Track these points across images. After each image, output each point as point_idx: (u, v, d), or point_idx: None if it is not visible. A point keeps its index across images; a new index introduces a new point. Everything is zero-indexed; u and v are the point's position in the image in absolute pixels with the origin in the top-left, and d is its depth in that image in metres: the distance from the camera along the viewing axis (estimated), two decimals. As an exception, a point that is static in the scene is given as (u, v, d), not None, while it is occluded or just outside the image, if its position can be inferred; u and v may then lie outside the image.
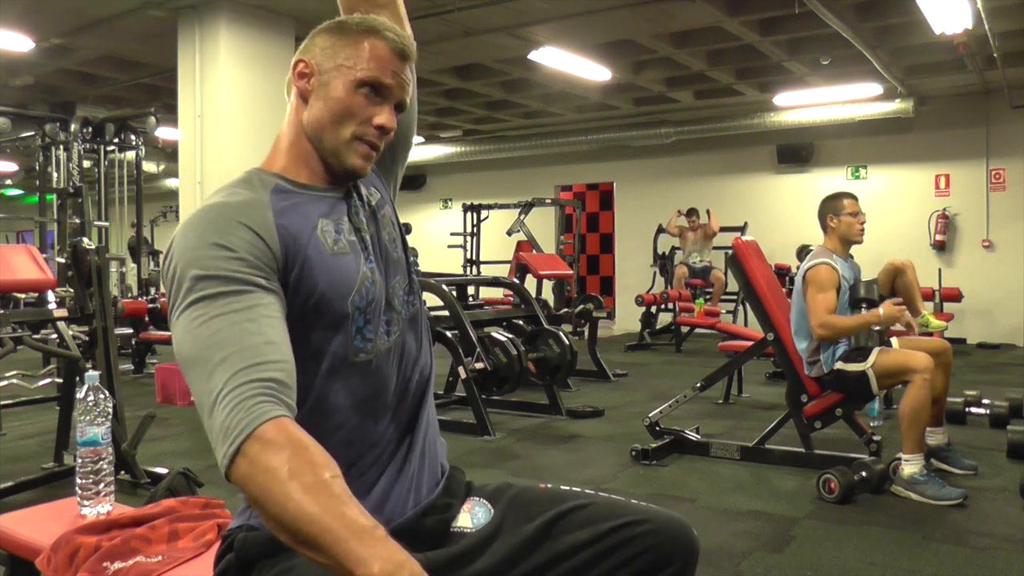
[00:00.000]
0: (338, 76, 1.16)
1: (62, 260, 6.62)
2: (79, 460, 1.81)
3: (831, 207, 3.64)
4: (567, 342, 5.01)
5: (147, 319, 7.04)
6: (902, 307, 3.41)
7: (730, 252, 4.34)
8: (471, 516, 1.22)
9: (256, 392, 0.94)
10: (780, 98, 9.02)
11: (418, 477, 1.19)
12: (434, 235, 11.97)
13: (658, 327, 9.28)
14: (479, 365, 4.58)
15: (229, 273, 1.02)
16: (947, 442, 3.62)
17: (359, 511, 0.87)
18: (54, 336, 3.81)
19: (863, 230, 3.63)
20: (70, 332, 3.69)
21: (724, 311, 9.24)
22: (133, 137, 7.63)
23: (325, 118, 1.16)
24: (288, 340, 1.02)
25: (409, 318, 1.24)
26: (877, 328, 3.40)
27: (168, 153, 11.35)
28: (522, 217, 10.01)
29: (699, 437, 4.03)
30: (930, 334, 4.07)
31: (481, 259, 10.70)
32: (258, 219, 1.08)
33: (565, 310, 7.27)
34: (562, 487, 1.27)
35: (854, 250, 3.71)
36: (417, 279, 1.29)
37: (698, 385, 4.07)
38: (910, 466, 3.27)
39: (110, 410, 1.84)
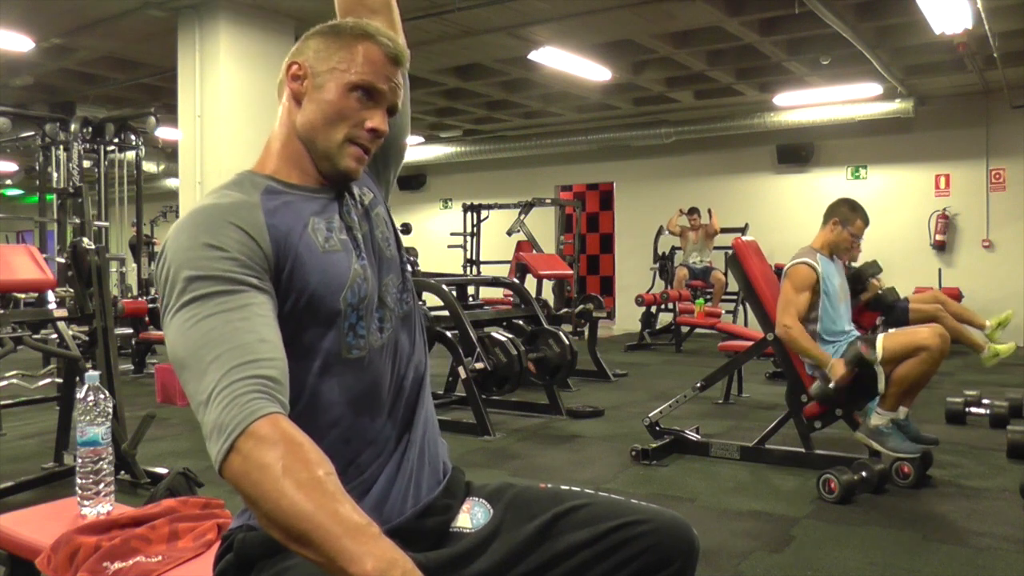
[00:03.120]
0: (331, 79, 1.16)
1: (62, 260, 6.62)
2: (79, 460, 1.81)
3: (843, 215, 3.68)
4: (567, 342, 5.01)
5: (147, 319, 7.05)
6: (848, 374, 3.36)
7: (730, 252, 4.35)
8: (470, 516, 1.22)
9: (250, 389, 0.94)
10: (780, 98, 9.02)
11: (417, 475, 1.19)
12: (434, 235, 11.98)
13: (658, 327, 9.29)
14: (479, 365, 4.57)
15: (222, 273, 1.02)
16: (905, 416, 3.60)
17: (352, 508, 0.87)
18: (54, 336, 3.81)
19: (852, 252, 3.73)
20: (70, 332, 3.69)
21: (724, 311, 9.24)
22: (133, 137, 7.62)
23: (318, 120, 1.17)
24: (280, 339, 1.03)
25: (403, 316, 1.24)
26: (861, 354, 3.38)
27: (168, 153, 11.35)
28: (522, 217, 10.01)
29: (699, 437, 4.03)
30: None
31: (481, 259, 10.70)
32: (249, 219, 1.09)
33: (565, 310, 7.28)
34: (562, 487, 1.27)
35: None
36: (411, 278, 1.30)
37: (698, 385, 4.07)
38: (878, 418, 3.37)
39: (110, 410, 1.84)
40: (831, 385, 3.41)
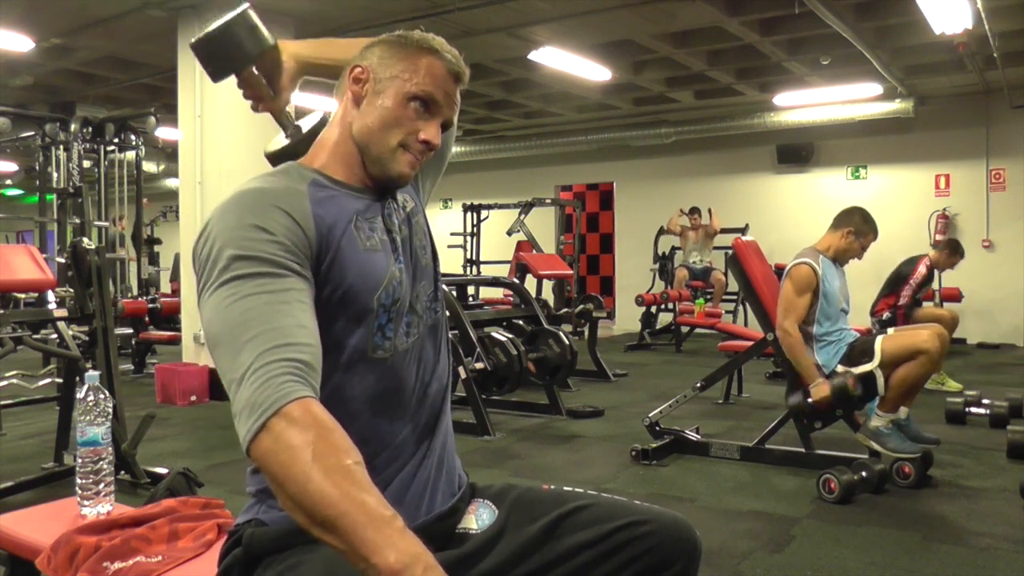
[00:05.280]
0: (392, 86, 1.18)
1: (62, 260, 6.62)
2: (79, 460, 1.81)
3: (857, 225, 3.68)
4: (567, 342, 5.01)
5: (147, 319, 7.05)
6: (828, 401, 3.43)
7: (730, 252, 4.35)
8: (475, 517, 1.23)
9: (285, 371, 0.94)
10: (780, 98, 9.02)
11: (434, 484, 1.19)
12: (434, 235, 11.88)
13: (658, 327, 9.29)
14: (479, 365, 4.58)
15: (266, 255, 1.03)
16: (906, 416, 3.61)
17: (379, 500, 0.88)
18: (54, 336, 3.81)
19: (854, 258, 3.76)
20: (70, 332, 3.68)
21: (724, 311, 9.24)
22: (133, 137, 7.62)
23: (375, 125, 1.18)
24: (316, 327, 1.03)
25: (430, 325, 1.25)
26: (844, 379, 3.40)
27: (168, 153, 11.35)
28: (522, 217, 10.01)
29: (699, 437, 4.03)
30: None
31: (481, 259, 10.70)
32: (296, 206, 1.09)
33: (565, 310, 7.27)
34: (565, 488, 1.28)
35: None
36: (444, 289, 1.30)
37: (698, 385, 4.07)
38: (878, 420, 3.41)
39: (110, 410, 1.84)
40: (809, 400, 3.46)
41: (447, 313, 1.34)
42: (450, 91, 1.21)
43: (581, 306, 6.83)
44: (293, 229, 1.07)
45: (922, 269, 5.83)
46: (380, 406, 1.15)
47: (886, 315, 5.82)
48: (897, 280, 5.94)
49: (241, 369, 0.95)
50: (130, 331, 6.98)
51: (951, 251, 6.09)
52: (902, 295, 5.73)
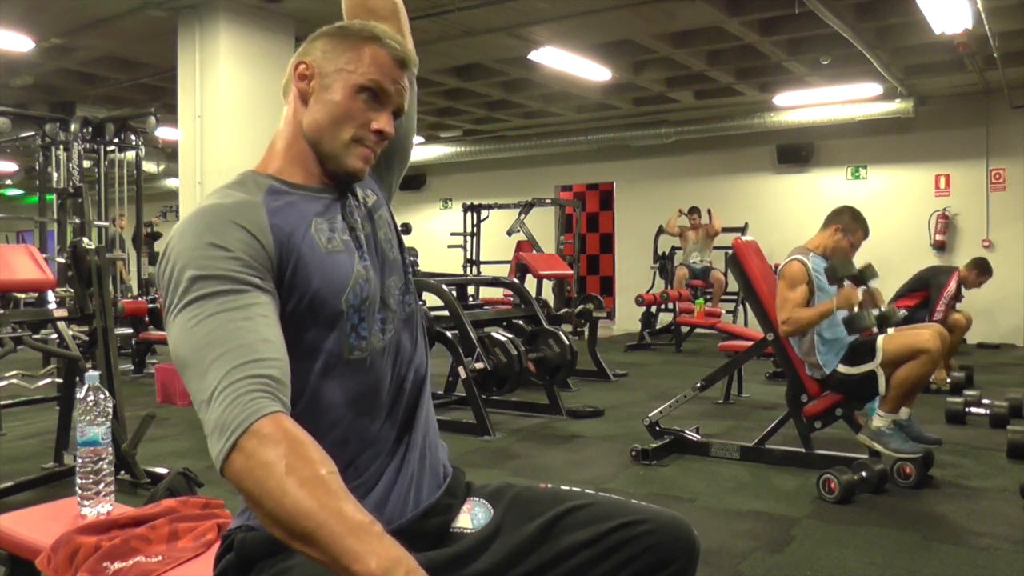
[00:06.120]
0: (338, 80, 1.17)
1: (62, 260, 6.62)
2: (79, 460, 1.81)
3: (847, 223, 3.69)
4: (567, 342, 5.01)
5: (147, 319, 7.05)
6: (855, 289, 3.44)
7: (730, 252, 4.35)
8: (471, 516, 1.22)
9: (252, 388, 0.94)
10: (780, 98, 9.02)
11: (418, 478, 1.19)
12: (434, 235, 11.97)
13: (658, 327, 9.29)
14: (479, 365, 4.57)
15: (225, 272, 1.02)
16: (907, 416, 3.60)
17: (356, 507, 0.88)
18: (54, 336, 3.81)
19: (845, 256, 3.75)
20: (70, 332, 3.68)
21: (724, 311, 9.24)
22: (133, 137, 7.61)
23: (324, 120, 1.17)
24: (282, 339, 1.03)
25: (405, 318, 1.24)
26: (859, 311, 3.40)
27: (168, 153, 11.35)
28: (522, 217, 10.01)
29: (699, 437, 4.03)
30: None
31: (481, 259, 10.70)
32: (253, 219, 1.09)
33: (565, 310, 7.27)
34: (562, 487, 1.27)
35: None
36: (413, 280, 1.30)
37: (698, 385, 4.07)
38: (880, 420, 3.38)
39: (110, 410, 1.84)
40: (855, 311, 3.38)
41: (425, 302, 1.33)
42: (397, 77, 1.20)
43: (581, 306, 6.83)
44: (251, 243, 1.06)
45: (952, 286, 5.92)
46: (361, 406, 1.15)
47: (901, 312, 5.88)
48: (921, 284, 5.99)
49: (209, 390, 0.95)
50: (130, 331, 6.98)
51: (980, 271, 6.19)
52: (937, 311, 5.80)
